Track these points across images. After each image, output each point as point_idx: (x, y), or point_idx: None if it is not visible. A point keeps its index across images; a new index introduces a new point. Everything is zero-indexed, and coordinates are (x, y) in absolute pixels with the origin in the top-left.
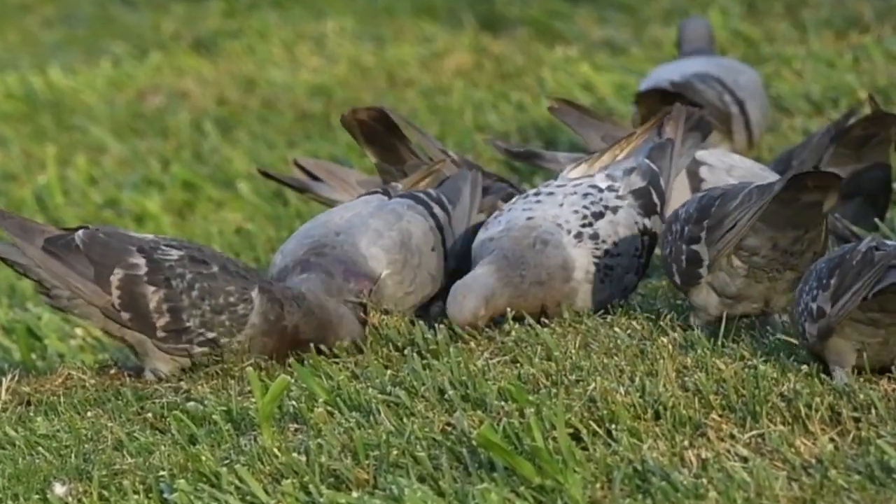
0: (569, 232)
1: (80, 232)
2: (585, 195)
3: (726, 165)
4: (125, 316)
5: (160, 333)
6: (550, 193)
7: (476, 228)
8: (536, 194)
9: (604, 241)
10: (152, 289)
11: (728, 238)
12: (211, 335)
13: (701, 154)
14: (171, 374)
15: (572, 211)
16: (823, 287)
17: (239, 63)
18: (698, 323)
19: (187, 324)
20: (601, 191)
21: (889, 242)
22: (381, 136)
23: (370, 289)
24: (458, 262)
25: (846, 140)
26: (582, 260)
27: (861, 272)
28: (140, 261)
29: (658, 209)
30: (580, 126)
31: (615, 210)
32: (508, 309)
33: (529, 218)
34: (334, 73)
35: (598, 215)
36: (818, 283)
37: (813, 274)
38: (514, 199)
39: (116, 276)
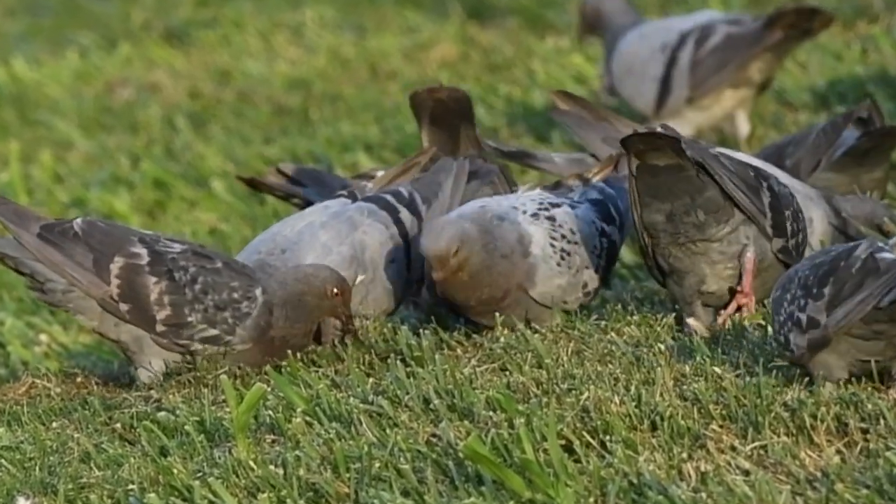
0: (524, 212)
1: (79, 219)
2: (542, 195)
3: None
4: (124, 307)
5: (160, 328)
6: (505, 196)
7: None
8: (494, 195)
9: (560, 226)
10: (154, 279)
11: (634, 220)
12: (212, 332)
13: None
14: (160, 375)
15: (529, 199)
16: (814, 296)
17: (213, 54)
18: (691, 324)
19: (189, 318)
20: (558, 197)
21: (884, 246)
22: (449, 119)
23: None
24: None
25: (853, 151)
26: (538, 236)
27: (864, 281)
28: (142, 250)
29: (617, 223)
30: (580, 128)
31: (573, 206)
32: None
33: (482, 206)
34: (313, 64)
35: (556, 206)
36: (805, 292)
37: (794, 280)
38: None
39: (117, 264)
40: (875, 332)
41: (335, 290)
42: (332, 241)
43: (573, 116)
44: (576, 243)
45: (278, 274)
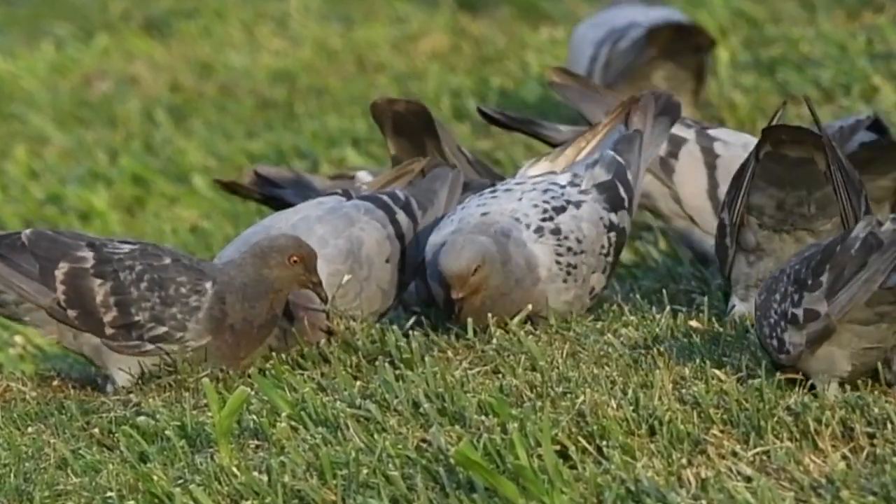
0: (528, 227)
1: (28, 231)
2: (545, 191)
3: (742, 142)
4: (72, 314)
5: (108, 330)
6: (507, 190)
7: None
8: (493, 192)
9: (566, 238)
10: (98, 281)
11: (739, 198)
12: (161, 329)
13: (715, 132)
14: (132, 381)
15: (531, 205)
16: (810, 287)
17: (194, 46)
18: (738, 308)
19: (136, 318)
20: (563, 187)
21: (884, 226)
22: (412, 130)
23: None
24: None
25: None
26: (544, 257)
27: (866, 260)
28: (87, 254)
29: (626, 204)
30: (582, 101)
31: (578, 204)
32: (490, 315)
33: (484, 214)
34: (298, 56)
35: (560, 210)
36: (798, 286)
37: (782, 279)
38: (467, 198)
39: (61, 270)
40: (878, 314)
41: (294, 258)
42: (329, 234)
43: (573, 90)
44: (582, 252)
45: (235, 259)
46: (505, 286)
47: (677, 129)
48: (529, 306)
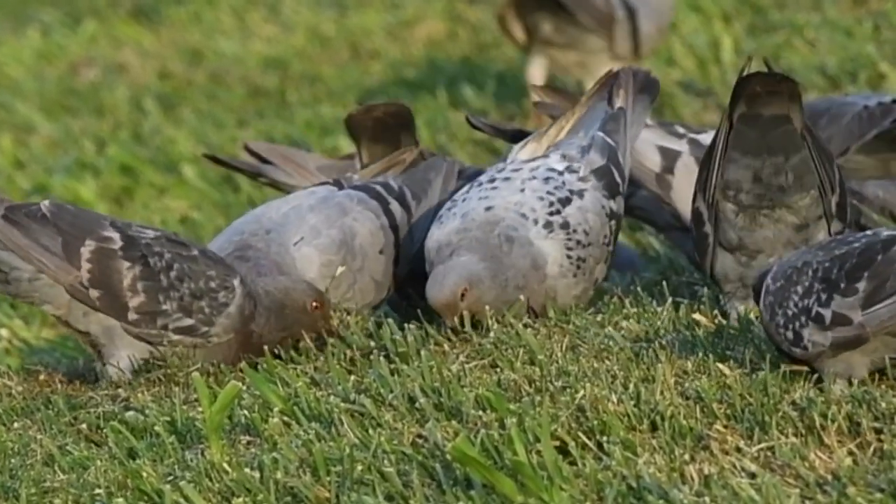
0: (536, 222)
1: (47, 202)
2: (546, 179)
3: None
4: (94, 294)
5: (132, 315)
6: (507, 179)
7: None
8: (491, 180)
9: (574, 231)
10: (127, 264)
11: (712, 176)
12: (188, 322)
13: (705, 137)
14: (129, 373)
15: (536, 198)
16: (843, 291)
17: (183, 32)
18: (730, 307)
19: (164, 307)
20: (561, 174)
21: None
22: (389, 135)
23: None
24: (417, 264)
25: (886, 135)
26: (555, 253)
27: None
28: (114, 234)
29: (620, 189)
30: None
31: (581, 194)
32: (487, 308)
33: (488, 209)
34: (290, 43)
35: (566, 201)
36: (828, 285)
37: (806, 272)
38: (466, 187)
39: (88, 248)
40: None
41: (315, 304)
42: (322, 223)
43: (555, 108)
44: (590, 244)
45: (261, 280)
46: (505, 295)
47: (669, 142)
48: (522, 297)
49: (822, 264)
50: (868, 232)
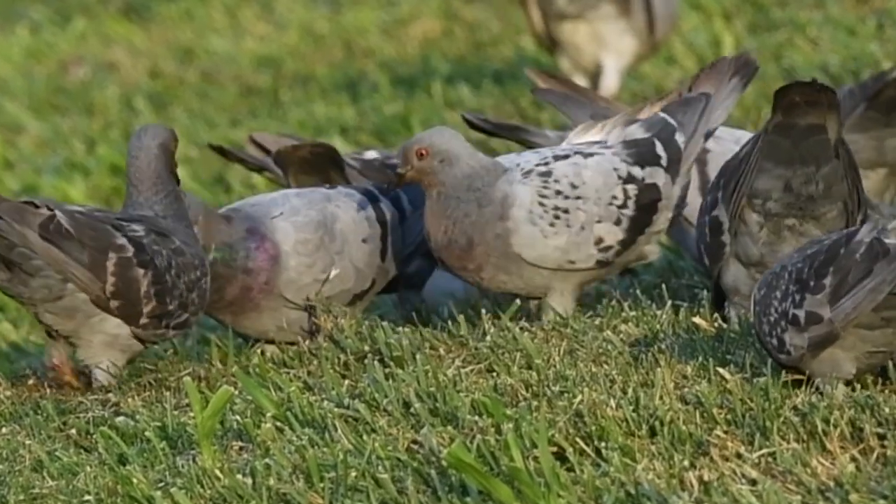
0: (521, 168)
1: (59, 214)
2: (564, 148)
3: (734, 137)
4: (114, 304)
5: (144, 320)
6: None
7: None
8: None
9: (556, 181)
10: (142, 272)
11: (740, 185)
12: (184, 316)
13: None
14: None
15: (537, 154)
16: (812, 289)
17: (175, 30)
18: (734, 313)
19: (169, 307)
20: (590, 145)
21: (886, 229)
22: (317, 172)
23: (267, 260)
24: (411, 268)
25: (877, 103)
26: (524, 197)
27: (872, 267)
28: (123, 241)
29: (663, 162)
30: (565, 105)
31: (588, 155)
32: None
33: (494, 161)
34: (283, 41)
35: (561, 157)
36: (800, 286)
37: (783, 276)
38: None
39: (111, 261)
40: (883, 319)
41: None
42: (303, 205)
43: (557, 94)
44: (578, 198)
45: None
46: (457, 189)
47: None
48: (473, 238)
49: (796, 265)
50: (847, 230)
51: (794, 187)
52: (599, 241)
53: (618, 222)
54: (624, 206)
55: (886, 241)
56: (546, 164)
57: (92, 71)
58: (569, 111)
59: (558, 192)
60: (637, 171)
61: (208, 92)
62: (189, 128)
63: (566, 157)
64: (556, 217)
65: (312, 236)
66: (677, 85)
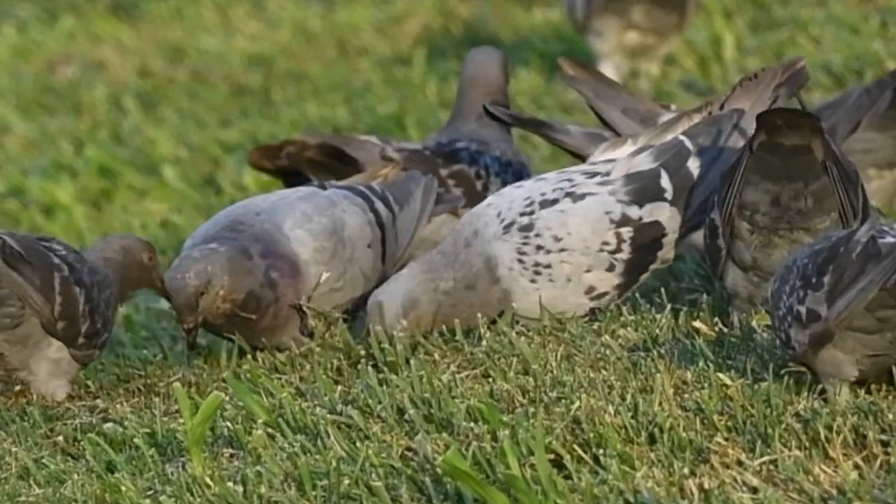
0: (502, 222)
1: (6, 236)
2: (561, 180)
3: None
4: (60, 325)
5: (80, 340)
6: (541, 179)
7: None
8: (539, 178)
9: (538, 235)
10: (78, 290)
11: (728, 196)
12: (105, 335)
13: None
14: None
15: (524, 197)
16: (814, 286)
17: (164, 28)
18: (736, 317)
19: (98, 325)
20: (591, 175)
21: (888, 229)
22: (329, 167)
23: (290, 277)
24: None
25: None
26: (504, 256)
27: (866, 266)
28: (58, 260)
29: (668, 195)
30: (597, 97)
31: (578, 198)
32: (457, 321)
33: (489, 204)
34: (275, 39)
35: (549, 203)
36: (804, 282)
37: (793, 270)
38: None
39: (56, 280)
40: (880, 320)
41: (149, 257)
42: (312, 211)
43: (588, 84)
44: (562, 250)
45: (93, 251)
46: (450, 300)
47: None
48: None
49: (803, 261)
50: (852, 228)
51: (782, 202)
52: (591, 289)
53: (611, 268)
54: (617, 250)
55: (880, 241)
56: (531, 212)
57: (80, 70)
58: (598, 104)
59: (539, 248)
60: (634, 212)
61: (199, 91)
62: (179, 128)
63: (554, 202)
64: (538, 273)
65: (328, 244)
66: (708, 99)
